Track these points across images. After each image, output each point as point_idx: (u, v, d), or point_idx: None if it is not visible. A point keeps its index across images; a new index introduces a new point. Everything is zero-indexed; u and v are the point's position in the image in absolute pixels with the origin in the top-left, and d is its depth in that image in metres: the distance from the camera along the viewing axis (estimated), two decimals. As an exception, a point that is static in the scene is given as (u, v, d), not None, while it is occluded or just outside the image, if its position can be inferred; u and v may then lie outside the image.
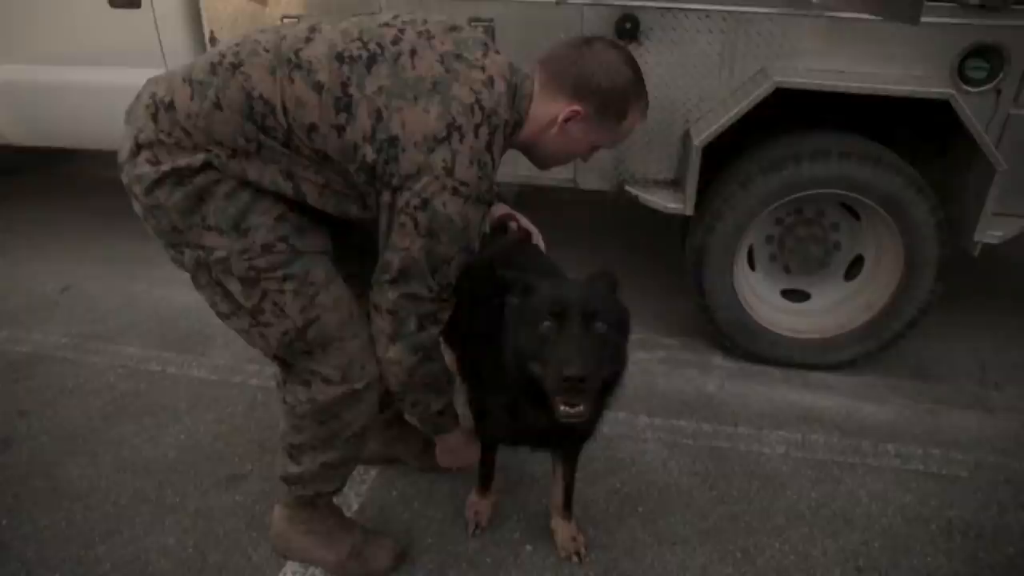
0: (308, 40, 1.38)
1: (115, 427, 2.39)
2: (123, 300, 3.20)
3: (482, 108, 1.40)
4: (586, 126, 1.54)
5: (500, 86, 1.44)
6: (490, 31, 2.52)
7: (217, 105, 1.34)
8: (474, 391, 1.75)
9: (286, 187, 1.41)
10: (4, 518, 2.01)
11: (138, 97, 1.43)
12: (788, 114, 2.50)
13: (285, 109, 1.34)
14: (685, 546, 1.99)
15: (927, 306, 2.61)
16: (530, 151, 1.61)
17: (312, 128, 1.35)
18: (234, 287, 1.44)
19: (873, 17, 2.21)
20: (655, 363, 2.83)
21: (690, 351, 2.89)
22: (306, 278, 1.46)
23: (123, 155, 1.42)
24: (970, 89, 2.36)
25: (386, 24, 1.45)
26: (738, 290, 2.67)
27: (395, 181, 1.36)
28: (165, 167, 1.35)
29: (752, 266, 2.78)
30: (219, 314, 1.53)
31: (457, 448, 1.82)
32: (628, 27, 2.45)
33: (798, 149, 2.44)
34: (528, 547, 1.97)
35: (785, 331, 2.75)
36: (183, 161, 1.35)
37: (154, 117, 1.37)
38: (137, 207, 1.44)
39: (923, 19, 2.26)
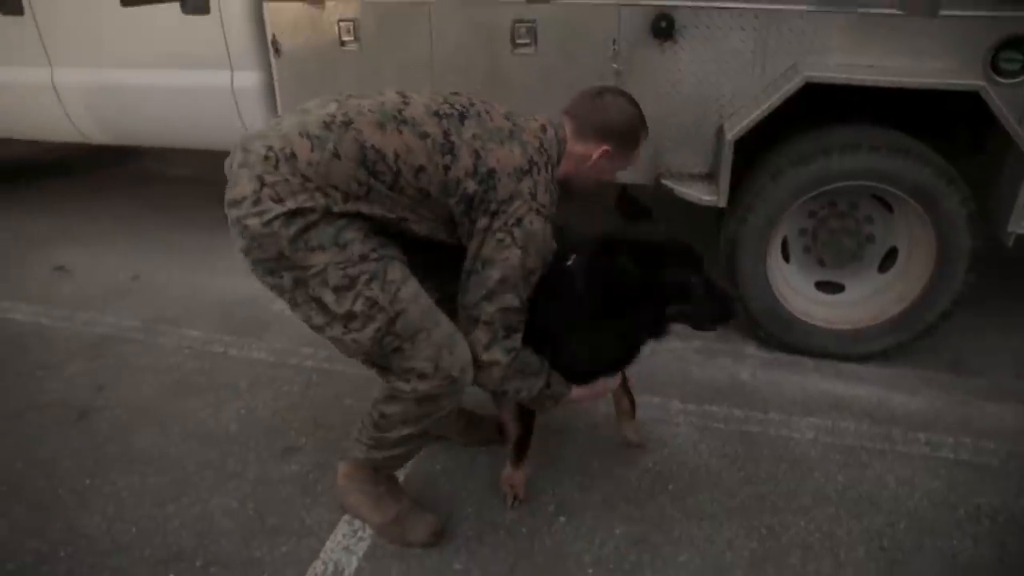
0: (406, 103, 1.69)
1: (182, 401, 2.60)
2: (187, 288, 3.42)
3: (544, 150, 1.78)
4: (612, 158, 1.90)
5: (550, 133, 1.82)
6: (532, 32, 2.65)
7: (336, 155, 1.59)
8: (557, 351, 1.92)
9: (391, 217, 1.67)
10: (87, 478, 2.23)
11: (246, 150, 1.62)
12: (822, 109, 2.57)
13: (396, 155, 1.62)
14: (712, 521, 2.08)
15: (960, 298, 2.64)
16: (569, 183, 1.90)
17: (420, 169, 1.64)
18: (329, 297, 1.64)
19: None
20: (690, 352, 2.92)
21: (724, 341, 2.97)
22: (386, 277, 1.66)
23: (239, 194, 1.60)
24: (1003, 81, 2.39)
25: (456, 94, 1.80)
26: (771, 281, 2.74)
27: (493, 206, 1.67)
28: (290, 205, 1.57)
29: (787, 258, 2.85)
30: (314, 327, 1.71)
31: (584, 393, 2.00)
32: (664, 25, 2.55)
33: (828, 142, 2.50)
34: (562, 518, 2.09)
35: (818, 321, 2.80)
36: (306, 202, 1.57)
37: (275, 166, 1.58)
38: (243, 241, 1.63)
39: (954, 12, 2.33)
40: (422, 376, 1.71)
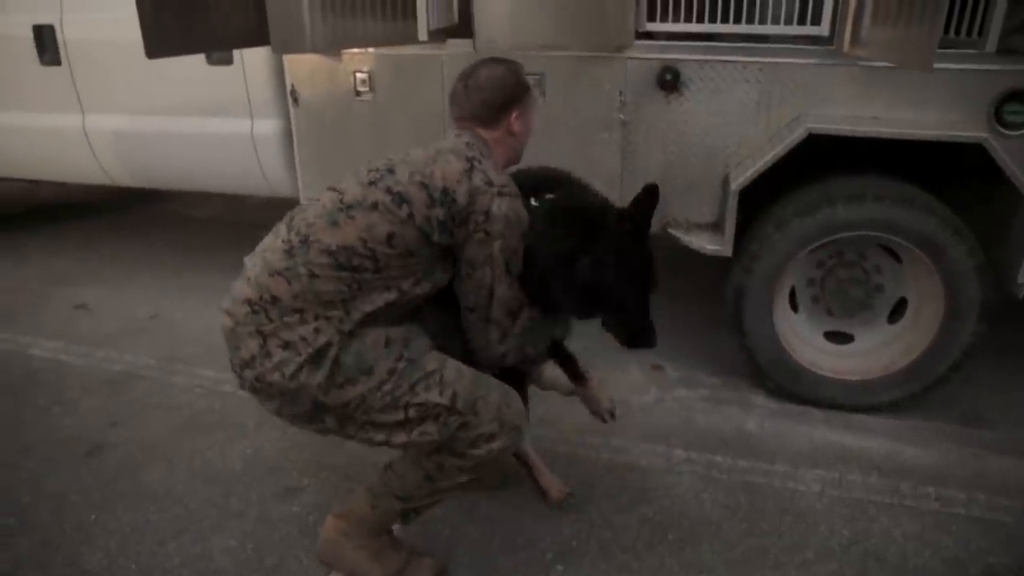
0: (341, 193, 1.71)
1: (191, 439, 2.63)
2: (202, 327, 3.49)
3: (472, 145, 1.78)
4: (525, 112, 1.90)
5: (467, 136, 1.83)
6: (540, 84, 2.72)
7: (312, 275, 1.61)
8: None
9: (392, 297, 1.68)
10: (93, 514, 2.26)
11: (231, 314, 1.67)
12: (827, 159, 2.59)
13: (363, 240, 1.63)
14: (711, 574, 2.05)
15: (971, 349, 2.61)
16: (510, 160, 1.94)
17: (390, 236, 1.64)
18: (379, 417, 1.68)
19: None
20: (696, 400, 2.90)
21: (731, 389, 2.95)
22: (425, 373, 1.69)
23: (248, 354, 1.63)
24: (1008, 133, 2.41)
25: (377, 159, 1.81)
26: (778, 331, 2.73)
27: (462, 214, 1.67)
28: (306, 350, 1.59)
29: (795, 308, 2.84)
30: (378, 444, 1.74)
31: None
32: (669, 78, 2.61)
33: (833, 193, 2.52)
34: (559, 567, 2.07)
35: (827, 372, 2.78)
36: (319, 339, 1.60)
37: (267, 316, 1.62)
38: (273, 402, 1.67)
39: (957, 65, 2.36)
40: (491, 438, 1.75)
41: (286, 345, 1.60)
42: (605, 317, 1.83)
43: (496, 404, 1.75)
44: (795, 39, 2.55)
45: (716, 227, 2.79)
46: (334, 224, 1.64)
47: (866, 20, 2.29)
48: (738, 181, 2.56)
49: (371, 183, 1.69)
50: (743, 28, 2.57)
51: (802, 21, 2.51)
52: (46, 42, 3.71)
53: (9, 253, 4.58)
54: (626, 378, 3.02)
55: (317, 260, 1.62)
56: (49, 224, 5.16)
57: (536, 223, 1.75)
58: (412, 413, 1.68)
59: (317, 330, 1.60)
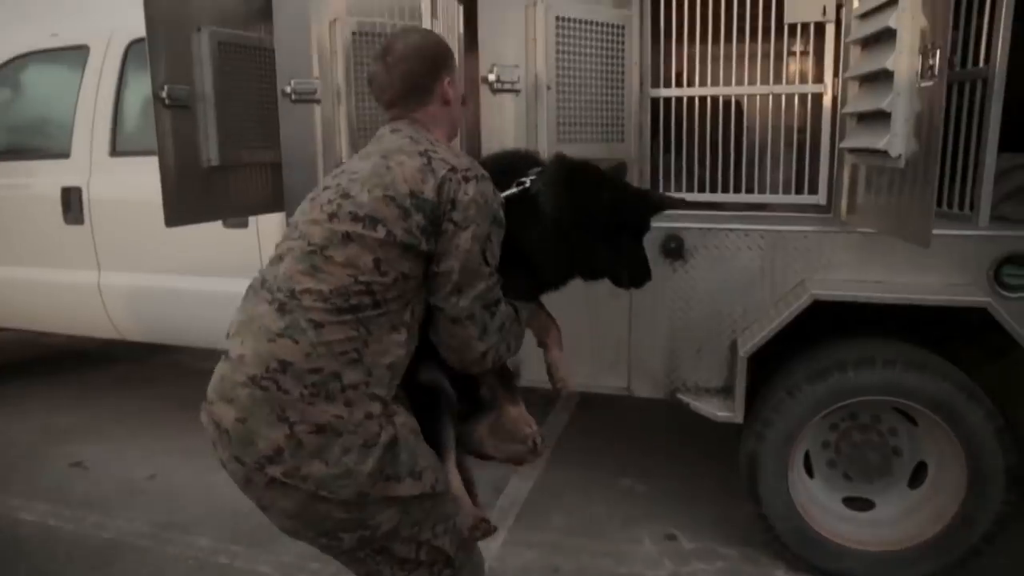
0: (303, 235, 1.54)
1: (179, 621, 2.48)
2: (202, 490, 3.39)
3: (418, 138, 1.63)
4: (454, 79, 1.74)
5: (405, 128, 1.67)
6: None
7: (317, 325, 1.44)
8: None
9: (401, 339, 1.53)
10: None
11: (230, 400, 1.47)
12: (835, 320, 2.61)
13: (351, 276, 1.46)
14: None
15: (1005, 518, 2.49)
16: (453, 133, 1.81)
17: (376, 262, 1.48)
18: (397, 548, 1.54)
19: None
20: (713, 573, 2.75)
21: (751, 562, 2.80)
22: (448, 512, 1.61)
23: (268, 448, 1.42)
24: (1009, 295, 2.43)
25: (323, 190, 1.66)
26: (795, 498, 2.64)
27: (438, 210, 1.52)
28: (346, 430, 1.42)
29: (810, 473, 2.76)
30: None
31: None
32: (673, 247, 2.68)
33: (843, 356, 2.52)
34: None
35: (850, 542, 2.65)
36: (345, 413, 1.43)
37: (282, 389, 1.42)
38: (290, 503, 1.45)
39: (954, 231, 2.41)
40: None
41: (319, 429, 1.41)
42: (620, 261, 1.79)
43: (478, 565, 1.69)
44: (794, 207, 2.64)
45: (726, 392, 2.76)
46: (315, 269, 1.47)
47: (859, 191, 2.39)
48: (746, 348, 2.56)
49: (332, 216, 1.50)
50: (744, 198, 2.67)
51: (800, 191, 2.61)
52: (72, 203, 3.87)
53: (10, 406, 4.54)
54: (638, 550, 2.87)
55: (315, 308, 1.44)
56: (53, 373, 5.15)
57: (550, 187, 1.69)
58: (423, 555, 1.55)
59: (349, 403, 1.43)
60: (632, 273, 1.84)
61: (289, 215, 2.64)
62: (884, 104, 2.06)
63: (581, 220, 1.69)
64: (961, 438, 2.45)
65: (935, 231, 1.96)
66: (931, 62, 1.87)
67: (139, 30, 3.39)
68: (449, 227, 1.51)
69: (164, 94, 2.55)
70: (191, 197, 2.71)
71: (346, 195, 1.51)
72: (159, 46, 2.54)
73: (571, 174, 1.74)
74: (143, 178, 3.41)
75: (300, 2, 2.51)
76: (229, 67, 2.76)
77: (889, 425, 2.68)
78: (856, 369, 2.48)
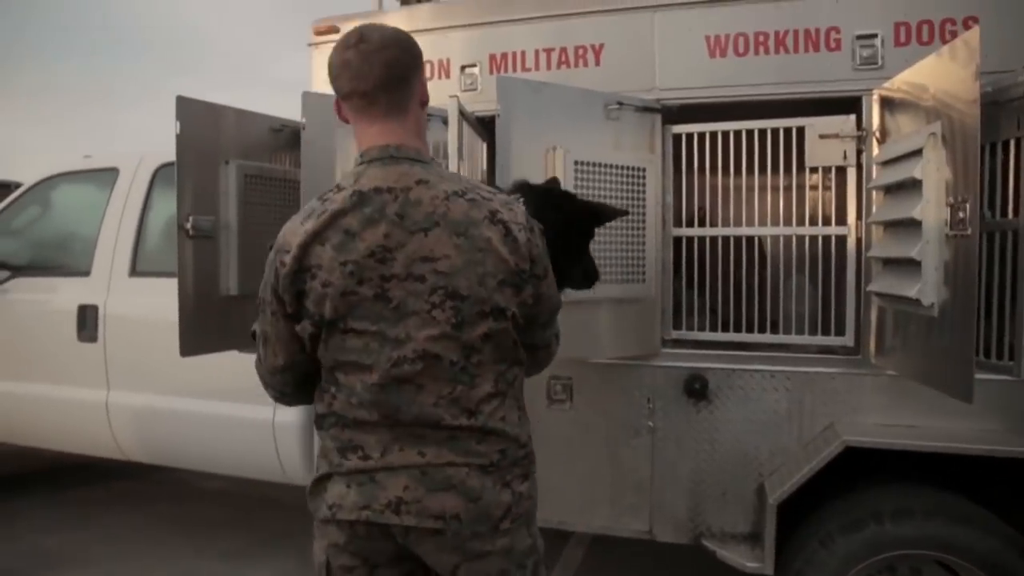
0: (422, 356, 1.42)
1: None
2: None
3: (430, 166, 1.49)
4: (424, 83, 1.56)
5: (411, 156, 1.49)
6: (568, 388, 2.73)
7: (500, 418, 1.45)
8: None
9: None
10: None
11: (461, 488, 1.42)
12: (864, 464, 2.49)
13: (504, 362, 1.46)
14: None
15: None
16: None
17: (515, 342, 1.47)
18: None
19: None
20: None
21: None
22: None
23: (501, 509, 1.43)
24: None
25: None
26: (833, 659, 2.43)
27: (530, 270, 1.47)
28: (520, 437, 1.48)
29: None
30: None
31: None
32: (697, 387, 2.61)
33: (878, 506, 2.39)
34: None
35: None
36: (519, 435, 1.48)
37: (498, 465, 1.43)
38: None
39: (991, 376, 2.32)
40: None
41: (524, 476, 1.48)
42: (576, 265, 1.88)
43: None
44: (821, 348, 2.58)
45: (753, 538, 2.62)
46: (471, 378, 1.41)
47: (888, 334, 2.33)
48: (775, 495, 2.44)
49: (459, 325, 1.39)
50: (769, 338, 2.62)
51: (826, 332, 2.56)
52: (87, 320, 3.86)
53: (3, 526, 4.36)
54: None
55: (495, 411, 1.44)
56: (48, 490, 4.98)
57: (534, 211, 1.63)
58: None
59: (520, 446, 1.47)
60: (586, 271, 1.92)
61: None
62: (914, 253, 2.04)
63: (555, 235, 1.71)
64: (1009, 599, 2.28)
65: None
66: (961, 215, 1.86)
67: (167, 155, 3.57)
68: (535, 281, 1.48)
69: (189, 225, 2.58)
70: (208, 326, 2.69)
71: (456, 294, 1.38)
72: (187, 177, 2.58)
73: (544, 197, 1.84)
74: (159, 299, 3.41)
75: (329, 138, 2.57)
76: (254, 198, 2.81)
77: (928, 578, 2.51)
78: (893, 521, 2.35)
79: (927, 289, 2.02)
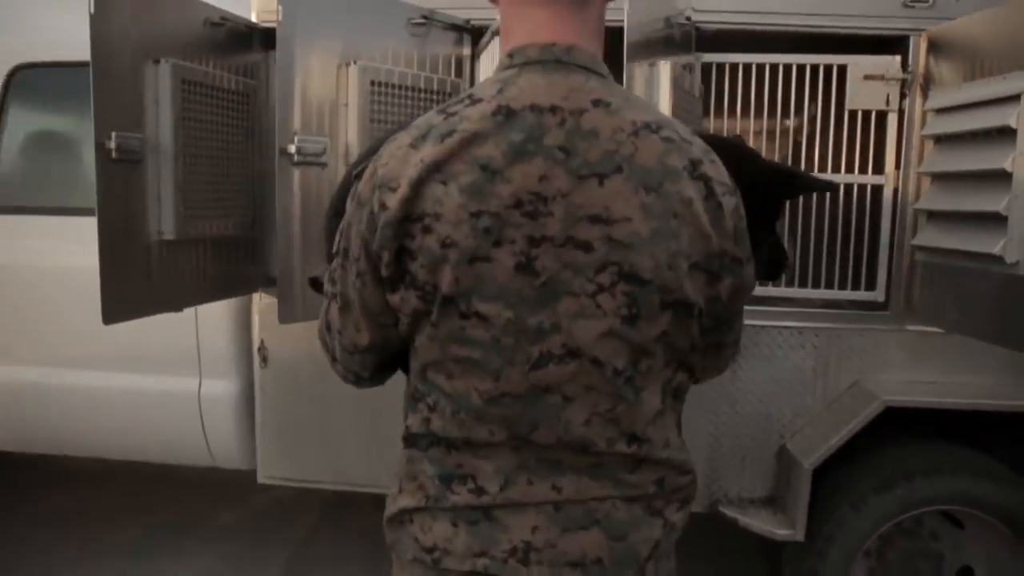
0: (574, 352, 0.98)
1: None
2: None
3: (614, 87, 1.04)
4: None
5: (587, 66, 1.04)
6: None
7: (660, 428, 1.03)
8: None
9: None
10: None
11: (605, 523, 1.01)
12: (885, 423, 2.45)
13: (674, 364, 1.05)
14: None
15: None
16: None
17: (693, 343, 1.04)
18: None
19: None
20: None
21: None
22: None
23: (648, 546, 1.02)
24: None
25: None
26: (855, 621, 2.41)
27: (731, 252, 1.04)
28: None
29: (854, 586, 2.55)
30: None
31: None
32: (722, 346, 2.40)
33: (909, 465, 2.35)
34: None
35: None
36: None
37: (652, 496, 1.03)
38: None
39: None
40: None
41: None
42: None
43: None
44: (848, 303, 2.47)
45: (770, 502, 2.51)
46: (636, 391, 0.97)
47: (935, 291, 2.26)
48: (811, 459, 2.32)
49: (630, 318, 0.94)
50: (794, 292, 2.46)
51: (856, 286, 2.45)
52: None
53: None
54: None
55: (655, 439, 1.02)
56: None
57: None
58: None
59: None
60: (774, 256, 1.43)
61: (282, 319, 2.07)
62: (1000, 207, 1.92)
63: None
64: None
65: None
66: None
67: (28, 53, 2.70)
68: (737, 268, 1.02)
69: (112, 144, 1.88)
70: (137, 283, 2.03)
71: (633, 276, 0.93)
72: (105, 77, 1.87)
73: (732, 153, 1.23)
74: (25, 242, 2.70)
75: (310, 36, 1.98)
76: (195, 113, 2.14)
77: (931, 529, 2.55)
78: (924, 479, 2.33)
79: (1012, 246, 1.92)
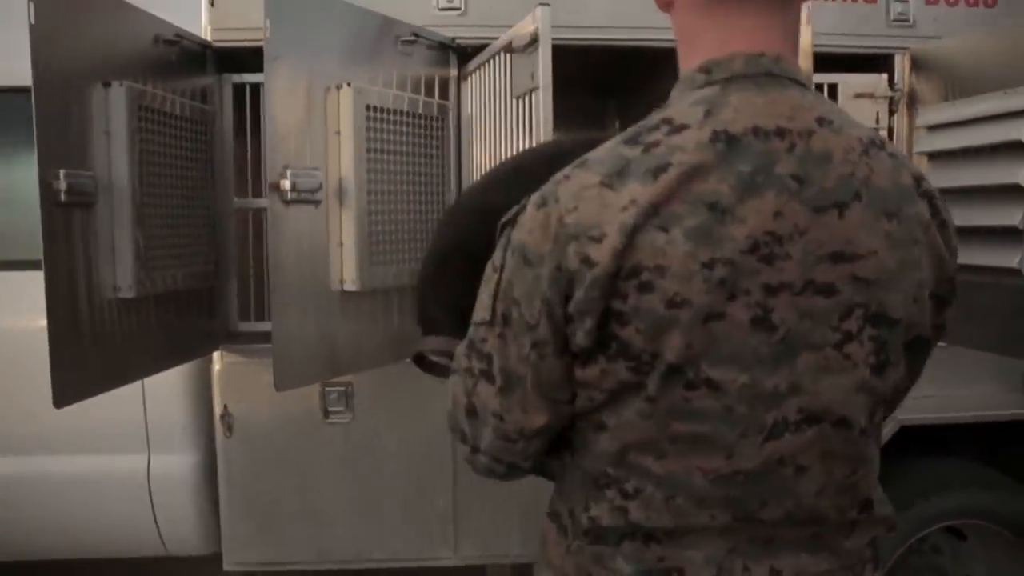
0: (805, 412, 0.84)
1: None
2: None
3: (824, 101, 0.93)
4: None
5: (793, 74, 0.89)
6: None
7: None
8: None
9: None
10: None
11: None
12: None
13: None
14: None
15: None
16: None
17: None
18: None
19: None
20: None
21: None
22: None
23: None
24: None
25: None
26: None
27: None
28: None
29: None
30: None
31: None
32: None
33: (921, 482, 2.34)
34: None
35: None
36: None
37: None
38: None
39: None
40: None
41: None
42: None
43: None
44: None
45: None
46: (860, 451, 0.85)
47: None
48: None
49: (879, 366, 0.81)
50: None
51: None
52: None
53: None
54: None
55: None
56: None
57: None
58: None
59: None
60: None
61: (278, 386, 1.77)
62: (1017, 221, 1.94)
63: None
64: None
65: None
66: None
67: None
68: (955, 289, 0.92)
69: (61, 185, 1.54)
70: (91, 351, 1.67)
71: (882, 318, 0.80)
72: (50, 105, 1.53)
73: None
74: None
75: (298, 54, 1.71)
76: (154, 144, 1.80)
77: (932, 543, 2.56)
78: (938, 496, 2.32)
79: (1030, 260, 1.94)
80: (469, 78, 2.19)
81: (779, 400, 0.79)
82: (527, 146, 1.80)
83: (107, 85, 1.68)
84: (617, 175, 0.77)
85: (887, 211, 0.80)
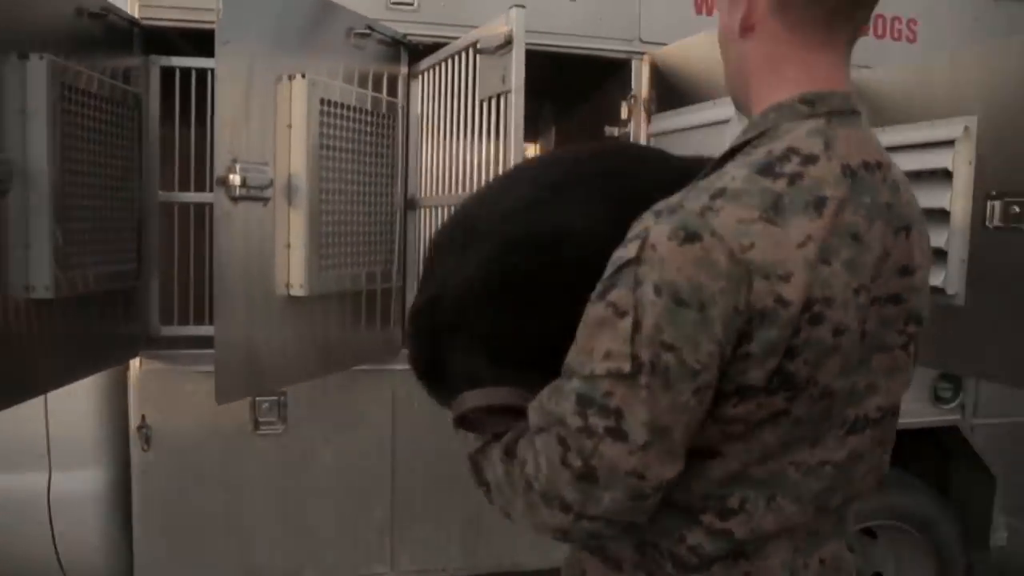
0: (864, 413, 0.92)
1: None
2: None
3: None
4: None
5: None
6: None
7: None
8: None
9: None
10: None
11: None
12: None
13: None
14: None
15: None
16: None
17: None
18: None
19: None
20: None
21: None
22: None
23: None
24: (943, 407, 2.64)
25: None
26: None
27: None
28: None
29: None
30: None
31: None
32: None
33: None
34: None
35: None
36: None
37: None
38: None
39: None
40: None
41: None
42: None
43: None
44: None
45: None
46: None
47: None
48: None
49: (905, 356, 0.88)
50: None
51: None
52: None
53: None
54: None
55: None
56: None
57: None
58: None
59: None
60: None
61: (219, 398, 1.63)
62: (942, 243, 2.07)
63: None
64: (937, 548, 2.59)
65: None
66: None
67: None
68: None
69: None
70: (9, 359, 1.48)
71: (918, 319, 0.89)
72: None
73: None
74: None
75: (250, 40, 1.58)
76: (77, 128, 1.61)
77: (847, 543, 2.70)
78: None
79: (953, 279, 2.08)
80: (420, 76, 2.11)
81: (859, 398, 0.85)
82: (491, 149, 1.74)
83: (23, 57, 1.48)
84: (774, 209, 0.76)
85: (922, 231, 0.91)
